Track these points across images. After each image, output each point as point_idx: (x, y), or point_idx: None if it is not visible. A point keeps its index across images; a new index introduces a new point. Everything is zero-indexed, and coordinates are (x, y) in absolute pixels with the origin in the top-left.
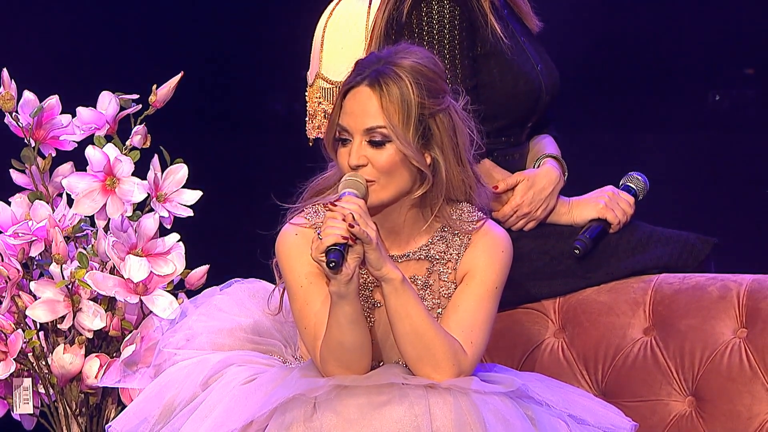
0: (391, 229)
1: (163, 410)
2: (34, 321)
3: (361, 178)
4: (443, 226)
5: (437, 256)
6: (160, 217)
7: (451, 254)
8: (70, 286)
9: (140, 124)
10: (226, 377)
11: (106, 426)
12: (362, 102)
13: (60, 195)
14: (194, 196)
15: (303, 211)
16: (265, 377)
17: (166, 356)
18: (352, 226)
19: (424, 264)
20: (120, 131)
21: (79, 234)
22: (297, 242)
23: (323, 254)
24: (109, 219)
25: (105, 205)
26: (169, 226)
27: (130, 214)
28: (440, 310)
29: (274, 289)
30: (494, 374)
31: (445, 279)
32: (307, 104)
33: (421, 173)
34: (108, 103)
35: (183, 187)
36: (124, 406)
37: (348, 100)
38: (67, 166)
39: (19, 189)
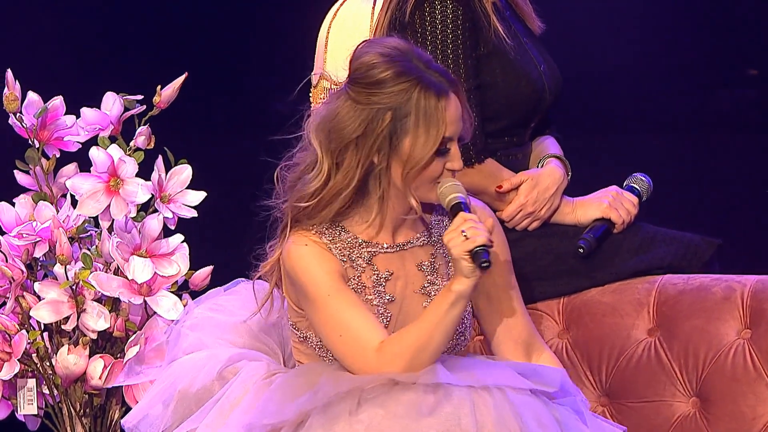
0: (402, 217)
1: (177, 403)
2: (38, 322)
3: (457, 181)
4: (434, 209)
5: (438, 240)
6: (164, 218)
7: None
8: (74, 287)
9: (144, 124)
10: (245, 371)
11: (122, 421)
12: (457, 108)
13: (64, 196)
14: (198, 196)
15: (290, 224)
16: (304, 369)
17: (177, 348)
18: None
19: (428, 249)
20: (124, 132)
21: (83, 235)
22: (312, 252)
23: (468, 253)
24: (113, 220)
25: (109, 205)
26: (173, 227)
27: (134, 214)
28: None
29: (264, 301)
30: (532, 366)
31: (449, 259)
32: (312, 104)
33: None
34: (112, 104)
35: (187, 187)
36: (129, 407)
37: (446, 112)
38: (71, 167)
39: (24, 190)
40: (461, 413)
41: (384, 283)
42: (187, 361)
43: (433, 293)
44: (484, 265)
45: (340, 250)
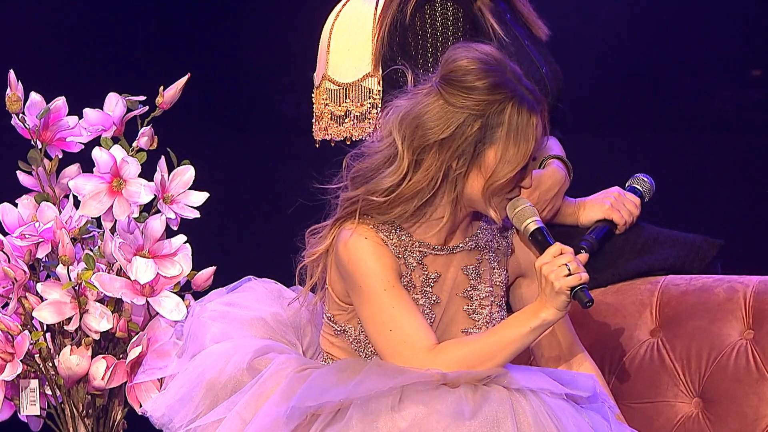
0: (458, 223)
1: (205, 393)
2: (40, 322)
3: (529, 201)
4: (484, 216)
5: (485, 246)
6: (166, 218)
7: (500, 243)
8: (76, 288)
9: (147, 125)
10: (278, 363)
11: (148, 411)
12: (543, 127)
13: (67, 196)
14: (201, 197)
15: (357, 216)
16: (345, 363)
17: (202, 339)
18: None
19: (475, 254)
20: (127, 133)
21: (86, 235)
22: (371, 245)
23: (570, 288)
24: (116, 220)
25: (112, 206)
26: (175, 228)
27: (136, 215)
28: (493, 298)
29: (310, 286)
30: (562, 372)
31: (495, 265)
32: (314, 106)
33: None
34: (115, 104)
35: (190, 188)
36: (132, 408)
37: (537, 129)
38: (73, 168)
39: (26, 190)
40: (500, 416)
41: (432, 284)
42: (214, 352)
43: (474, 297)
44: (588, 305)
45: (395, 246)
